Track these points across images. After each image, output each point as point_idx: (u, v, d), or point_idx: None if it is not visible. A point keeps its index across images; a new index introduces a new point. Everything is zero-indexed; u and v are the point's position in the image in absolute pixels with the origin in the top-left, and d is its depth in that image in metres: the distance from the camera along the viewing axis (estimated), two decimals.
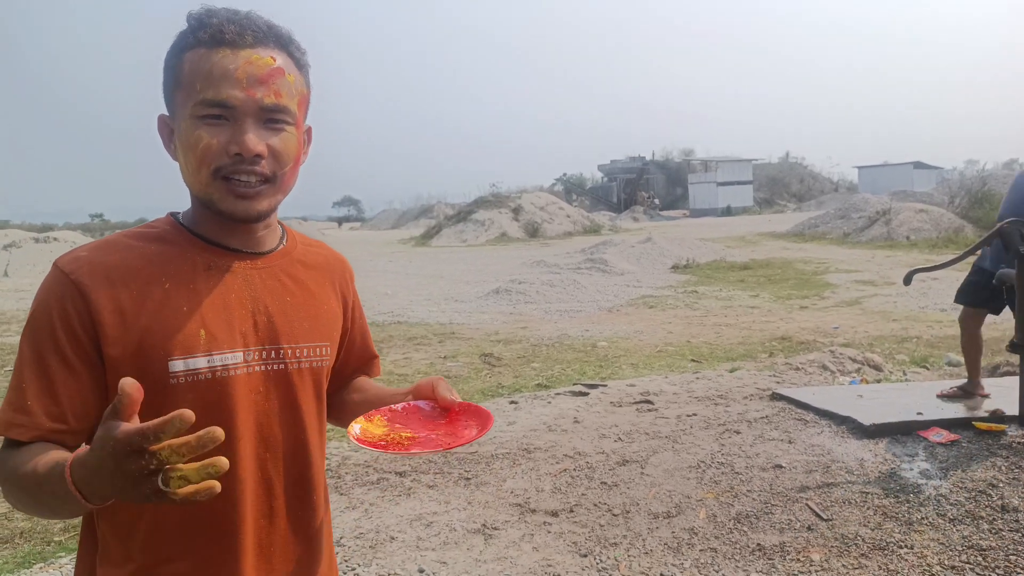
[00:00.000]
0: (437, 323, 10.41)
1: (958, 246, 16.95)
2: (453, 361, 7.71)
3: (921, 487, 3.53)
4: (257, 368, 1.06)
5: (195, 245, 1.07)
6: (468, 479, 4.08)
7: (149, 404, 0.96)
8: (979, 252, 4.59)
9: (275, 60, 1.02)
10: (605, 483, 3.91)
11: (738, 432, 4.50)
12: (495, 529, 3.47)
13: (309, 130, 1.12)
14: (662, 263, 17.59)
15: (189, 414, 0.73)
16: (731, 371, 6.56)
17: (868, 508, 3.40)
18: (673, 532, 3.34)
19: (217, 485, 0.74)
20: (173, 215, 1.12)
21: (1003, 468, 3.64)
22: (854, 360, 6.68)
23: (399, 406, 1.15)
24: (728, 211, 50.76)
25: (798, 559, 3.04)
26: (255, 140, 1.00)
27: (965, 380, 4.76)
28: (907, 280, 4.38)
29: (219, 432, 0.73)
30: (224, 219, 1.05)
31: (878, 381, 6.07)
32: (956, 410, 4.43)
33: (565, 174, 67.62)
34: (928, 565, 2.93)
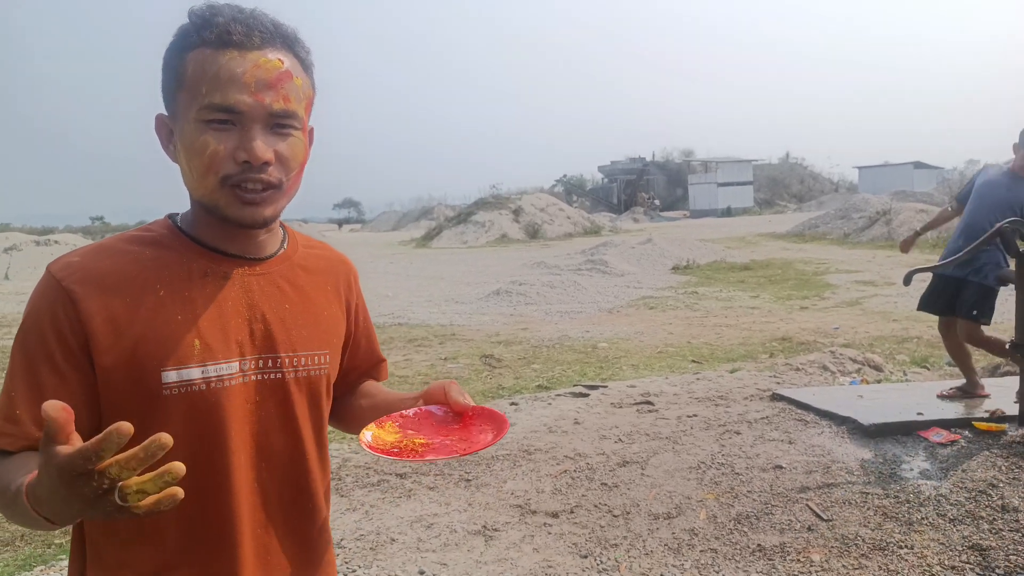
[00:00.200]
0: (438, 324, 10.42)
1: None
2: (454, 363, 7.71)
3: (921, 487, 3.53)
4: (253, 377, 1.04)
5: (192, 250, 1.04)
6: (468, 481, 4.09)
7: (142, 415, 0.95)
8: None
9: (283, 63, 0.99)
10: (605, 484, 3.91)
11: (738, 433, 4.51)
12: (495, 530, 3.47)
13: (312, 131, 1.09)
14: (662, 264, 17.59)
15: (127, 427, 0.69)
16: (731, 372, 6.56)
17: (868, 508, 3.40)
18: (673, 533, 3.34)
19: (179, 491, 0.72)
20: (171, 218, 1.09)
21: (1003, 468, 3.64)
22: (854, 360, 6.68)
23: (411, 411, 1.12)
24: (728, 212, 50.76)
25: (798, 560, 3.04)
26: (264, 148, 0.97)
27: (964, 381, 4.76)
28: (907, 280, 4.38)
29: (166, 438, 0.70)
30: (228, 225, 1.02)
31: (878, 381, 6.07)
32: (956, 410, 4.43)
33: (565, 175, 67.67)
34: (928, 565, 2.93)
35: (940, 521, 3.25)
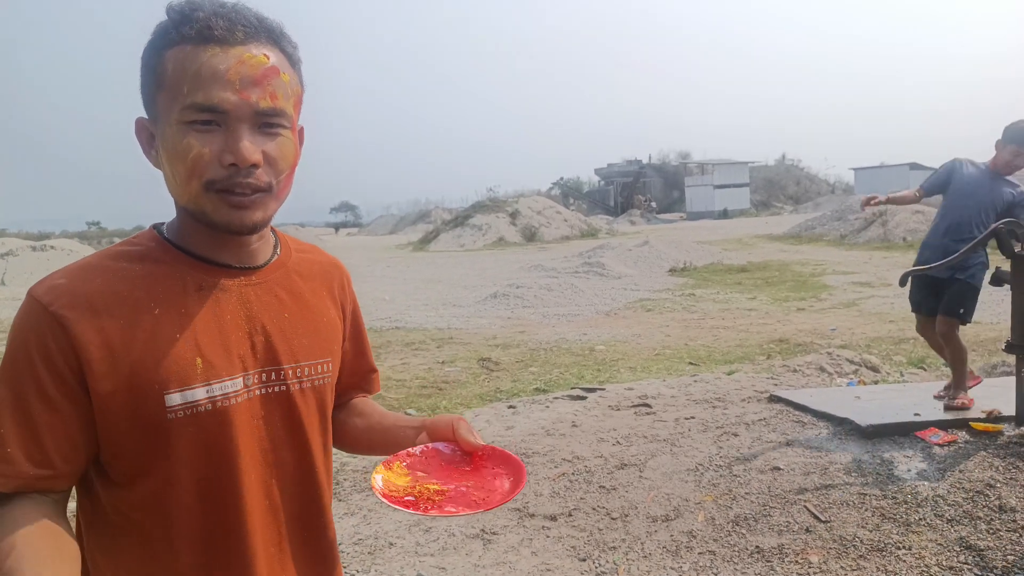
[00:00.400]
0: (435, 328, 10.42)
1: None
2: (451, 366, 7.71)
3: (919, 488, 3.53)
4: (257, 392, 1.00)
5: (184, 263, 0.98)
6: None
7: (146, 441, 0.92)
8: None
9: (269, 58, 0.93)
10: (603, 487, 3.91)
11: (736, 435, 4.51)
12: (494, 534, 3.47)
13: (302, 130, 1.03)
14: (659, 266, 17.61)
15: None
16: (729, 374, 6.57)
17: (866, 509, 3.40)
18: (672, 535, 3.34)
19: None
20: (156, 228, 1.03)
21: (1000, 468, 3.64)
22: (851, 361, 6.69)
23: (417, 449, 1.07)
24: (725, 214, 50.81)
25: (796, 561, 3.04)
26: (251, 149, 0.91)
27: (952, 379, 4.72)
28: (903, 281, 4.39)
29: None
30: (217, 231, 0.96)
31: (875, 382, 6.08)
32: (953, 410, 4.44)
33: (562, 178, 67.74)
34: (926, 566, 2.93)
35: (938, 522, 3.25)
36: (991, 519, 3.22)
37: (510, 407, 5.71)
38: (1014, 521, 3.18)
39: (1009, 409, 4.21)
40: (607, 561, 3.17)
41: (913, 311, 4.77)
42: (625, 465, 4.18)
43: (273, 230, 1.11)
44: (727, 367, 6.99)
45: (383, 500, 0.97)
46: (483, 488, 1.02)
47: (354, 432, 1.21)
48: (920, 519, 3.28)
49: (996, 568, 2.88)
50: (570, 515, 3.62)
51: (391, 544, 3.41)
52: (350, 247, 36.19)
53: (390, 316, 11.60)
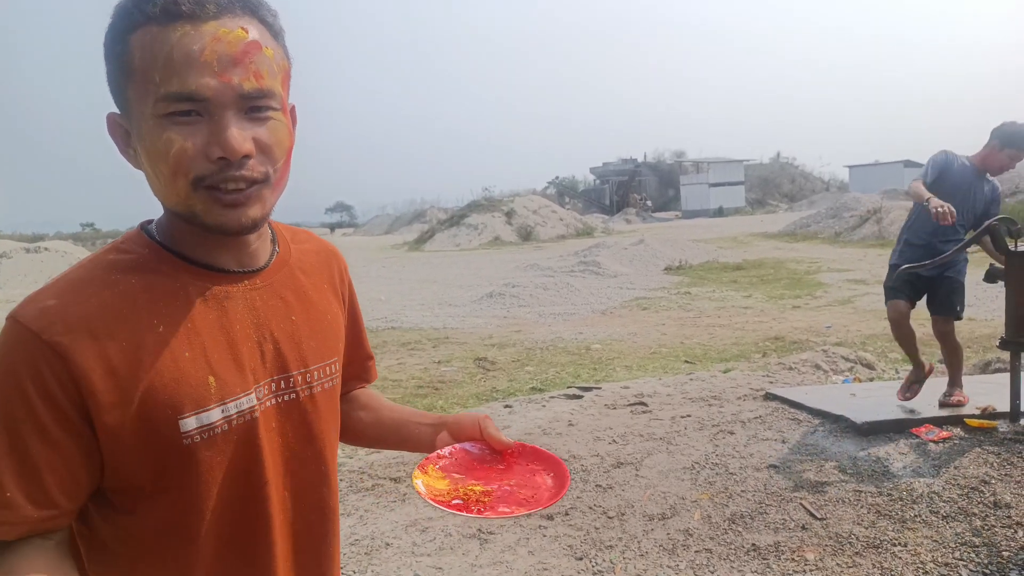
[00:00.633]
0: (431, 328, 10.41)
1: None
2: (447, 366, 7.71)
3: (914, 485, 3.55)
4: (269, 403, 0.93)
5: (183, 270, 0.89)
6: None
7: (161, 470, 0.85)
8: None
9: (248, 32, 0.81)
10: (600, 486, 3.92)
11: (732, 433, 4.52)
12: (490, 534, 3.47)
13: (293, 109, 0.91)
14: (655, 265, 17.63)
15: None
16: (724, 372, 6.58)
17: (862, 506, 3.41)
18: (668, 534, 3.35)
19: None
20: (145, 229, 0.92)
21: (995, 464, 3.66)
22: (847, 359, 6.71)
23: (446, 451, 1.04)
24: (720, 212, 50.89)
25: (793, 558, 3.05)
26: (240, 138, 0.81)
27: (946, 377, 4.71)
28: (896, 279, 4.40)
29: None
30: (211, 233, 0.86)
31: (871, 380, 6.10)
32: (948, 407, 4.45)
33: (557, 177, 67.85)
34: (922, 563, 2.94)
35: (933, 518, 3.26)
36: (986, 515, 3.23)
37: (506, 406, 5.71)
38: (1009, 517, 3.19)
39: (1004, 405, 4.22)
40: (604, 560, 3.18)
41: (891, 299, 4.64)
42: (621, 464, 4.19)
43: (269, 225, 1.02)
44: (723, 365, 7.00)
45: (433, 504, 0.94)
46: (527, 486, 0.99)
47: (359, 426, 1.17)
48: (916, 516, 3.29)
49: (991, 564, 2.89)
50: (567, 514, 3.62)
51: (388, 544, 3.41)
52: (346, 247, 36.13)
53: (386, 316, 11.59)
